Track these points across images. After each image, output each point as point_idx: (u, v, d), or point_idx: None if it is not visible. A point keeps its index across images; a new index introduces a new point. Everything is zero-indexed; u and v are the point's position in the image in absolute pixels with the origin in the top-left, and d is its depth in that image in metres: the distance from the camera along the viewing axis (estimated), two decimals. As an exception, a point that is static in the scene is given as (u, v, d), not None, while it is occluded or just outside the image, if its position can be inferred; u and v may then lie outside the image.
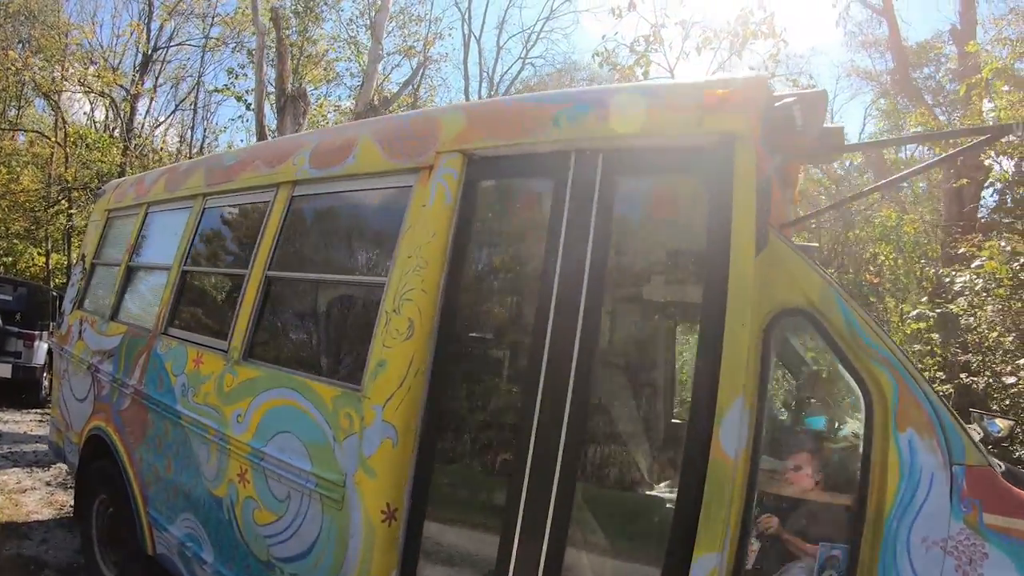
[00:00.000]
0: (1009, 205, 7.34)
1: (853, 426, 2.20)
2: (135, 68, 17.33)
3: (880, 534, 1.73)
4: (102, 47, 16.92)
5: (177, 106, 20.05)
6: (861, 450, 1.89)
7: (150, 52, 16.75)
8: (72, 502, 5.47)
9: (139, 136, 16.74)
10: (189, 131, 19.26)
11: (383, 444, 2.03)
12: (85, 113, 18.21)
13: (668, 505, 2.19)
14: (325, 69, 18.50)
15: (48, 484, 5.91)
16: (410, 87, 16.31)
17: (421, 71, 16.07)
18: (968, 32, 9.63)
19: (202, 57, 17.42)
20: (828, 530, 1.90)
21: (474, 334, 2.52)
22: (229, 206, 3.46)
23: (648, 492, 2.55)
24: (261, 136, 12.16)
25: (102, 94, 16.07)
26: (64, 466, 6.28)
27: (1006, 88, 7.75)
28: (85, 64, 15.76)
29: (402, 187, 2.35)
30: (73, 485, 5.91)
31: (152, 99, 17.22)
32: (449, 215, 2.12)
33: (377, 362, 2.14)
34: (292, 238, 2.91)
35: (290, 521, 2.36)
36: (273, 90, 12.82)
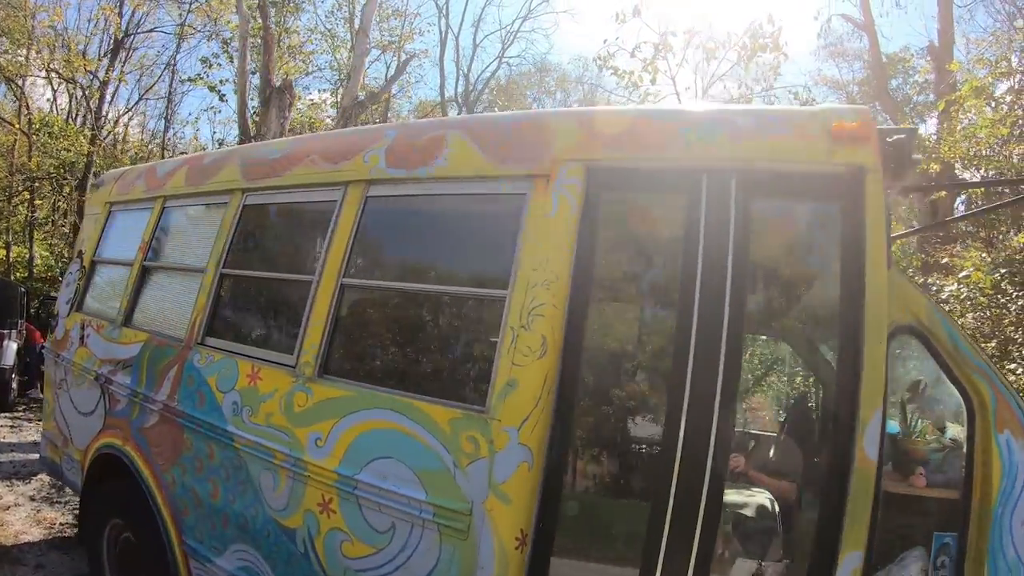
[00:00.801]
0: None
1: (955, 430, 2.45)
2: (104, 54, 16.08)
3: (988, 522, 2.04)
4: (67, 31, 15.61)
5: (142, 96, 18.77)
6: (965, 450, 2.20)
7: (121, 37, 15.56)
8: (63, 520, 4.91)
9: (109, 125, 15.59)
10: (162, 120, 18.06)
11: (519, 468, 1.84)
12: (48, 100, 16.83)
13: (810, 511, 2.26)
14: (304, 62, 17.71)
15: (32, 499, 5.27)
16: (393, 83, 15.76)
17: (406, 66, 15.53)
18: (945, 49, 9.87)
19: (177, 44, 16.33)
20: (939, 521, 2.18)
21: (599, 352, 2.33)
22: (278, 204, 3.04)
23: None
24: (244, 128, 11.46)
25: (70, 80, 14.84)
26: (47, 477, 5.66)
27: (988, 108, 7.96)
28: (52, 48, 14.50)
29: (511, 194, 2.14)
30: (61, 500, 5.34)
31: (120, 84, 15.99)
32: (574, 227, 1.95)
33: (506, 381, 1.93)
34: (370, 243, 2.55)
35: (394, 554, 2.07)
36: (248, 81, 12.14)
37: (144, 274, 3.65)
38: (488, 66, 23.05)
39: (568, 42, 40.65)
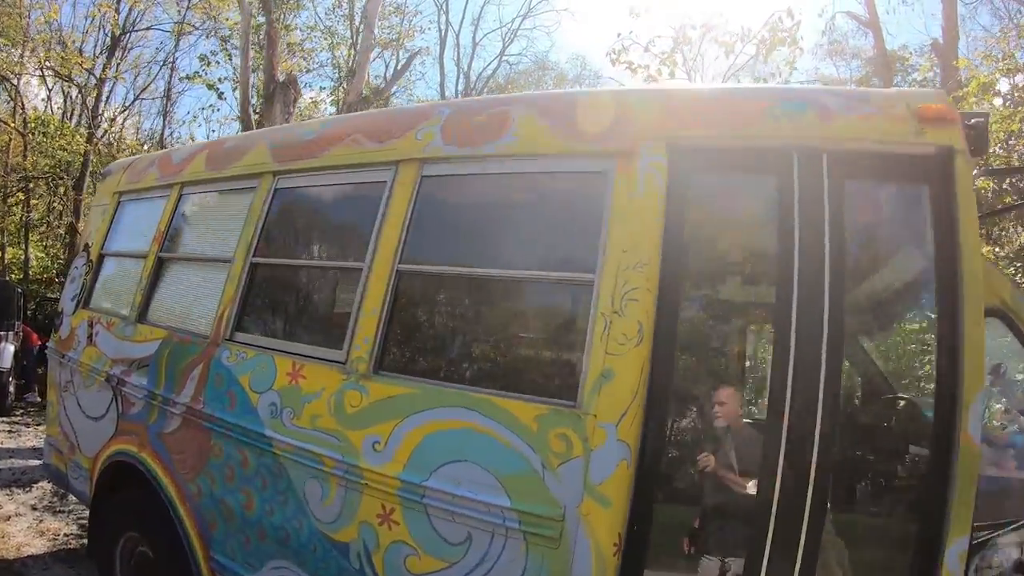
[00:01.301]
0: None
1: None
2: (101, 51, 15.56)
3: None
4: (61, 30, 15.07)
5: (138, 95, 18.23)
6: None
7: (119, 35, 15.05)
8: (67, 530, 4.54)
9: (107, 124, 15.08)
10: (159, 119, 17.56)
11: (619, 467, 1.68)
12: (43, 100, 16.26)
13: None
14: (304, 59, 17.35)
15: (34, 508, 4.89)
16: (398, 79, 15.45)
17: (411, 63, 15.20)
18: (950, 46, 9.72)
19: (176, 42, 15.82)
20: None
21: (690, 338, 2.14)
22: (315, 186, 2.72)
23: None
24: (247, 125, 11.10)
25: (67, 78, 14.33)
26: (48, 485, 5.29)
27: (998, 102, 7.83)
28: (48, 46, 13.98)
29: (591, 172, 1.97)
30: (64, 509, 4.97)
31: (117, 82, 15.48)
32: (662, 207, 1.83)
33: (600, 372, 1.75)
34: (428, 225, 2.24)
35: (471, 567, 1.82)
36: (251, 77, 11.79)
37: (160, 266, 3.32)
38: (489, 64, 22.79)
39: (570, 40, 40.25)
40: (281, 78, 10.84)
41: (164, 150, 4.31)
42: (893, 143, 1.80)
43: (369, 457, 2.04)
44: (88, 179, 13.43)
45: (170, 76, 16.84)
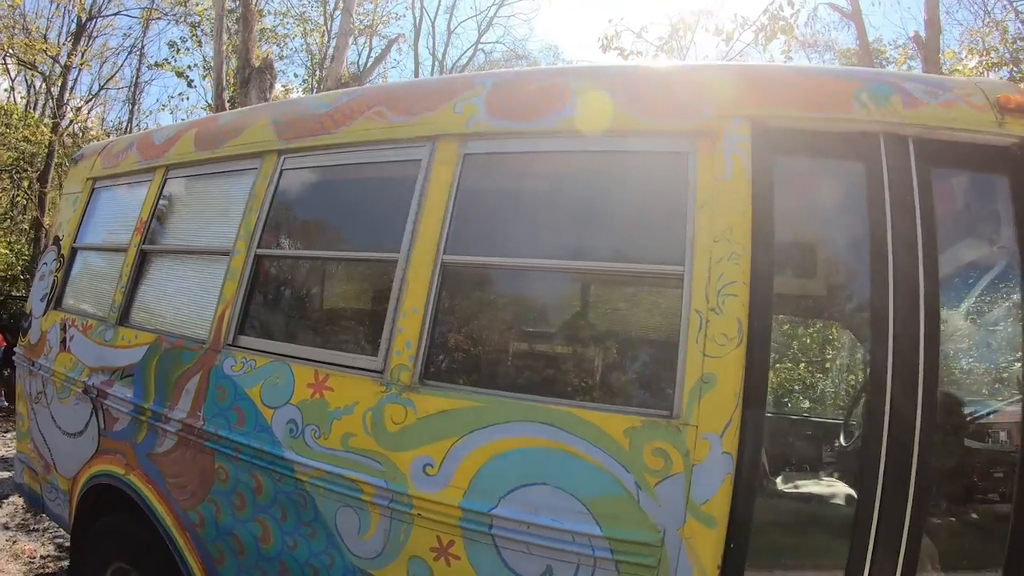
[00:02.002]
0: None
1: None
2: (66, 38, 14.40)
3: None
4: (24, 15, 13.86)
5: (104, 84, 17.06)
6: None
7: (85, 20, 13.94)
8: (44, 551, 4.04)
9: (72, 113, 14.01)
10: (125, 108, 16.45)
11: (724, 482, 1.47)
12: (6, 89, 15.01)
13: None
14: (279, 45, 16.53)
15: (6, 527, 4.36)
16: (378, 65, 14.79)
17: (391, 49, 14.55)
18: (932, 40, 9.62)
19: (145, 28, 14.78)
20: None
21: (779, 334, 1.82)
22: (332, 166, 2.29)
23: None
24: (221, 111, 10.41)
25: (31, 66, 13.22)
26: (20, 500, 4.75)
27: None
28: (11, 33, 12.84)
29: (668, 152, 1.75)
30: (39, 527, 4.44)
31: (82, 71, 14.38)
32: (750, 192, 1.62)
33: (699, 377, 1.53)
34: (475, 209, 1.90)
35: None
36: (224, 63, 11.06)
37: (143, 261, 2.85)
38: (465, 52, 22.14)
39: (549, 27, 39.38)
40: (257, 63, 10.18)
41: (143, 131, 3.77)
42: (973, 132, 1.67)
43: (420, 483, 1.70)
44: (53, 171, 12.46)
45: (139, 64, 15.80)
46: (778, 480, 2.18)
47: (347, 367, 1.93)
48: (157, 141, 3.03)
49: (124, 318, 2.79)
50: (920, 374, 1.51)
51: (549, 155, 1.91)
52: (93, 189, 3.35)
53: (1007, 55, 7.66)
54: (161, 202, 2.87)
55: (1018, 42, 8.16)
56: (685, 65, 1.98)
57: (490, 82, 2.01)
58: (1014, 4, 8.77)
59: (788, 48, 7.12)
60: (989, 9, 11.02)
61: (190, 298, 2.59)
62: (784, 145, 1.69)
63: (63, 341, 3.07)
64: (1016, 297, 2.05)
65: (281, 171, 2.39)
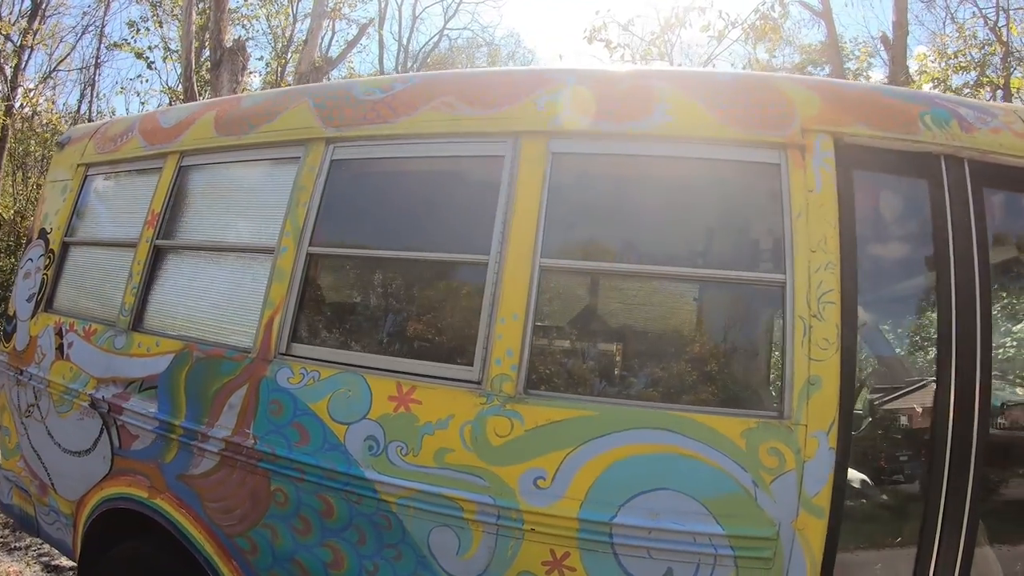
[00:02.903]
0: None
1: None
2: (20, 16, 12.92)
3: None
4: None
5: (56, 66, 15.55)
6: None
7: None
8: (30, 572, 3.61)
9: (24, 94, 12.66)
10: (77, 91, 15.02)
11: (830, 477, 1.57)
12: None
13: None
14: (244, 28, 15.52)
15: (-22, 549, 3.88)
16: (352, 49, 14.12)
17: (364, 33, 13.86)
18: (900, 42, 9.92)
19: (105, 7, 13.45)
20: None
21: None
22: (391, 159, 2.05)
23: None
24: (191, 94, 9.64)
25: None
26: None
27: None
28: None
29: (761, 163, 1.78)
30: (20, 545, 3.96)
31: (36, 50, 12.94)
32: (838, 206, 1.70)
33: (807, 379, 1.61)
34: (567, 212, 1.79)
35: None
36: (192, 43, 10.23)
37: (157, 258, 2.50)
38: (432, 38, 21.44)
39: (521, 16, 38.51)
40: (229, 43, 9.48)
41: (142, 113, 3.35)
42: (1017, 156, 1.76)
43: (531, 497, 1.60)
44: (6, 156, 11.21)
45: (98, 44, 14.45)
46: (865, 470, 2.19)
47: (436, 378, 1.73)
48: (165, 124, 2.66)
49: (138, 322, 2.44)
50: (977, 373, 1.62)
51: (641, 159, 1.84)
52: (86, 176, 2.93)
53: (975, 59, 7.98)
54: (177, 192, 2.51)
55: (985, 47, 8.53)
56: (766, 76, 1.97)
57: (573, 79, 1.91)
58: (983, 11, 9.14)
59: (773, 47, 7.17)
60: (952, 12, 11.44)
61: (224, 301, 2.28)
62: (859, 161, 1.75)
63: (59, 348, 2.68)
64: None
65: (331, 161, 2.11)
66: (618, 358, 1.90)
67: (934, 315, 1.75)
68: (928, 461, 1.66)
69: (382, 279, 2.13)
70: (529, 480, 1.60)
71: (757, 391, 1.82)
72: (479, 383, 1.67)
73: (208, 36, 9.86)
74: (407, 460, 1.68)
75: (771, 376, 1.69)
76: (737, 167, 1.81)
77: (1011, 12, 8.77)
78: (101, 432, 2.43)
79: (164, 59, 14.31)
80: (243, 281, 2.22)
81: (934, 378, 1.70)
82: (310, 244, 2.04)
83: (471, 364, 1.71)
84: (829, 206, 1.68)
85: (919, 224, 1.86)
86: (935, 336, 1.73)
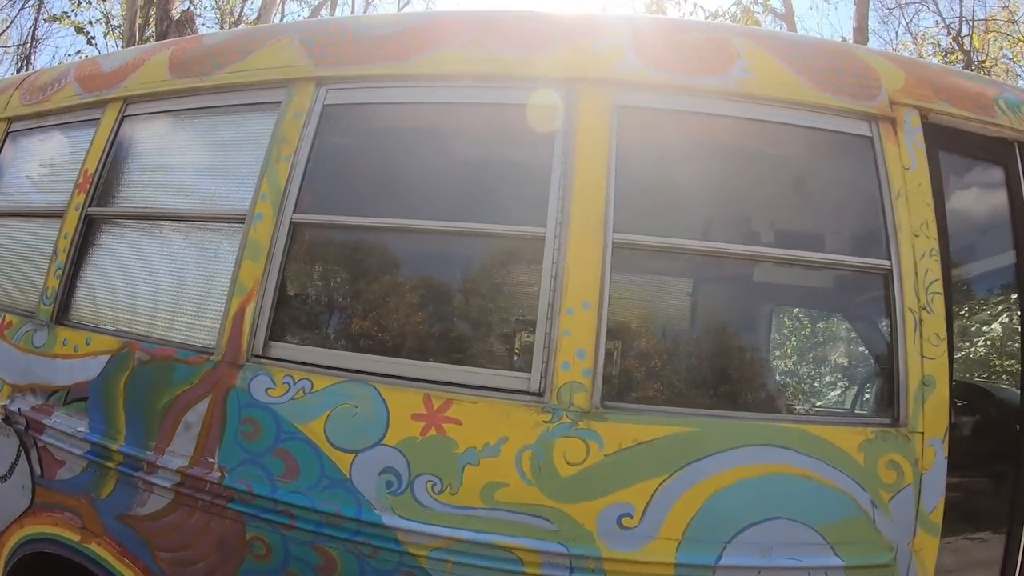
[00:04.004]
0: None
1: None
2: None
3: None
4: None
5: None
6: None
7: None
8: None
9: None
10: (19, 64, 13.45)
11: (946, 489, 1.35)
12: None
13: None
14: (192, 3, 14.35)
15: None
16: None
17: (319, 12, 12.96)
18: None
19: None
20: None
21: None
22: (403, 104, 1.57)
23: None
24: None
25: None
26: None
27: None
28: None
29: (849, 134, 1.56)
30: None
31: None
32: (931, 186, 1.51)
33: (920, 380, 1.39)
34: (635, 179, 1.42)
35: None
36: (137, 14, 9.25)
37: (90, 230, 1.90)
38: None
39: (480, 3, 37.54)
40: (176, 15, 8.57)
41: (80, 59, 2.68)
42: None
43: (613, 540, 1.24)
44: None
45: (36, 17, 12.95)
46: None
47: (479, 388, 1.27)
48: (106, 68, 2.05)
49: (63, 314, 1.85)
50: None
51: (718, 119, 1.54)
52: (7, 133, 2.26)
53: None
54: (117, 147, 1.92)
55: (947, 56, 8.60)
56: (846, 44, 1.90)
57: (629, 26, 1.60)
58: (946, 21, 9.22)
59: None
60: (908, 21, 11.59)
61: (176, 286, 1.71)
62: (943, 141, 1.60)
63: (-41, 347, 2.04)
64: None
65: (323, 107, 1.59)
66: (714, 359, 1.54)
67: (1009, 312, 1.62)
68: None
69: (395, 257, 1.62)
70: (611, 519, 1.24)
71: (869, 395, 1.58)
72: (540, 394, 1.24)
73: (154, 9, 8.89)
74: (443, 500, 1.22)
75: (881, 377, 1.49)
76: (825, 137, 1.58)
77: (974, 23, 8.89)
78: (19, 455, 1.82)
79: (105, 35, 13.05)
80: (202, 259, 1.68)
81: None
82: (295, 211, 1.51)
83: (526, 370, 1.27)
84: (926, 187, 1.50)
85: (996, 210, 1.71)
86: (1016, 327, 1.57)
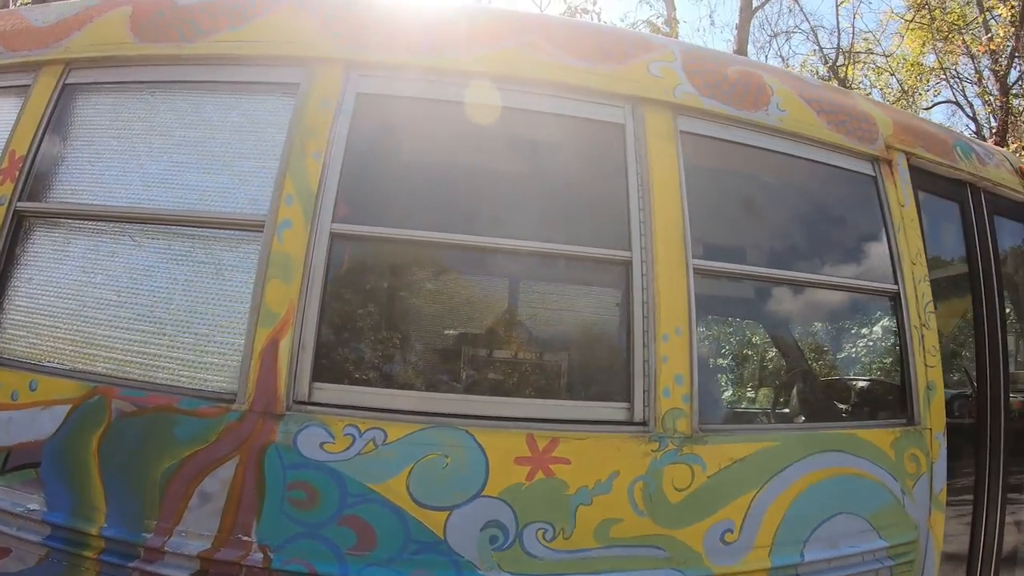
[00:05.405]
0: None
1: None
2: None
3: None
4: None
5: None
6: None
7: None
8: None
9: None
10: None
11: (946, 473, 1.58)
12: None
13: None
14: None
15: None
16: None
17: None
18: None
19: None
20: None
21: None
22: (452, 103, 1.33)
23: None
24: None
25: None
26: None
27: None
28: None
29: (857, 172, 1.70)
30: None
31: None
32: (918, 223, 1.71)
33: (926, 385, 1.61)
34: (700, 206, 1.43)
35: None
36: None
37: (21, 231, 1.40)
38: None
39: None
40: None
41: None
42: (1012, 189, 1.95)
43: (718, 556, 1.26)
44: None
45: None
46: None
47: (584, 423, 1.16)
48: (38, 23, 1.52)
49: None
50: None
51: (760, 153, 1.61)
52: None
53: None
54: (56, 125, 1.43)
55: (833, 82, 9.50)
56: (844, 90, 2.00)
57: (678, 49, 1.62)
58: (824, 51, 10.06)
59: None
60: (779, 50, 12.56)
61: (158, 309, 1.31)
62: (918, 181, 1.78)
63: None
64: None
65: (356, 96, 1.28)
66: (781, 373, 1.69)
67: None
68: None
69: (470, 279, 1.36)
70: (716, 536, 1.25)
71: (887, 399, 1.81)
72: (644, 424, 1.20)
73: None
74: (555, 547, 1.09)
75: (894, 385, 1.72)
76: (839, 175, 1.72)
77: (852, 55, 9.88)
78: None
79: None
80: (196, 276, 1.30)
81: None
82: (333, 220, 1.20)
83: (626, 400, 1.21)
84: (916, 222, 1.69)
85: (953, 244, 1.96)
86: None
